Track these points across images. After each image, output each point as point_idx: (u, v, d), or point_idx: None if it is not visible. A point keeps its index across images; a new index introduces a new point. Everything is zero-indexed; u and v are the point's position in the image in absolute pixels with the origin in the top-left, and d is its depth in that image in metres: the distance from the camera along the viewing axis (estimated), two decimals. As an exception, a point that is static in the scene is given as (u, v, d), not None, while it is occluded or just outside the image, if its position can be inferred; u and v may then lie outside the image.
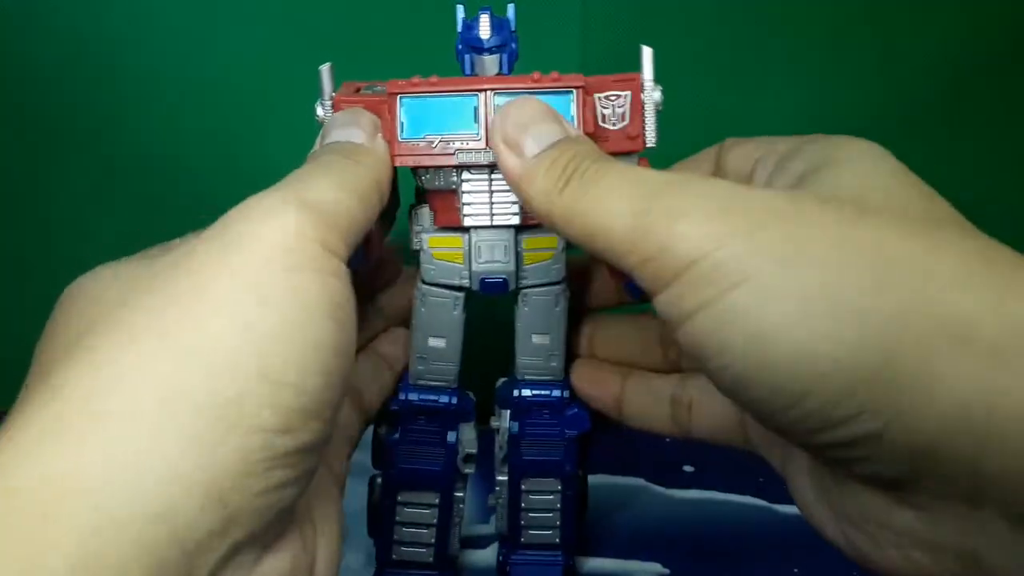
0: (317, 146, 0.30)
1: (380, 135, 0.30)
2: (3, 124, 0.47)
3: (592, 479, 0.48)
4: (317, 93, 0.32)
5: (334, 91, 0.32)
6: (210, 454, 0.21)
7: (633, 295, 0.31)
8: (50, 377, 0.22)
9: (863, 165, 0.27)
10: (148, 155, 0.47)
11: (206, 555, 0.21)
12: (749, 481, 0.47)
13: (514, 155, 0.28)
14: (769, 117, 0.49)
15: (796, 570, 0.43)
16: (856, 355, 0.22)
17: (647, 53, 0.32)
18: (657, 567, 0.43)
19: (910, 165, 0.29)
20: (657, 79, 0.32)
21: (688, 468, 0.49)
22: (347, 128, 0.30)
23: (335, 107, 0.31)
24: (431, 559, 0.38)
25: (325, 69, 0.31)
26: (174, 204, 0.47)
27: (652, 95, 0.32)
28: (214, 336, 0.22)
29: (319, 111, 0.32)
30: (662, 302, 0.25)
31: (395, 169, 0.31)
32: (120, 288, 0.24)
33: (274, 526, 0.23)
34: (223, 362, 0.22)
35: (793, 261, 0.23)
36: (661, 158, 0.33)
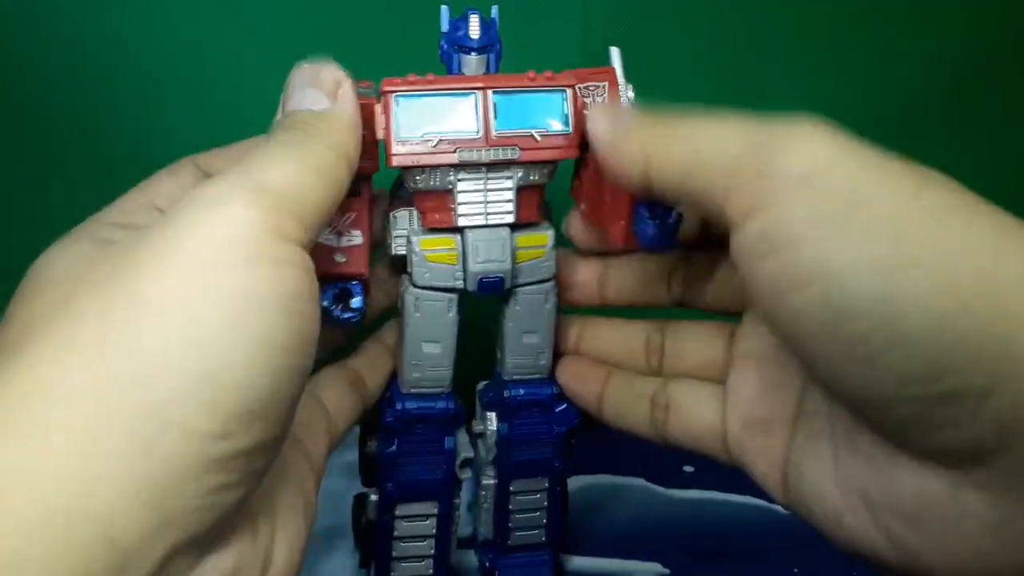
0: (279, 113, 0.29)
1: (345, 90, 0.29)
2: (3, 124, 0.47)
3: (592, 479, 0.48)
4: None
5: None
6: (143, 457, 0.21)
7: (645, 240, 0.30)
8: None
9: None
10: (148, 155, 0.47)
11: (141, 556, 0.21)
12: (749, 481, 0.46)
13: (606, 119, 0.29)
14: (769, 117, 0.49)
15: (796, 570, 0.43)
16: (971, 309, 0.22)
17: (615, 53, 0.33)
18: (657, 567, 0.43)
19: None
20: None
21: (688, 468, 0.49)
22: (306, 91, 0.28)
23: None
24: (431, 571, 0.37)
25: None
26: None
27: (626, 94, 0.33)
28: (151, 337, 0.21)
29: None
30: (757, 225, 0.24)
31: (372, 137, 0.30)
32: (74, 273, 0.24)
33: (217, 527, 0.23)
34: (158, 364, 0.21)
35: (919, 200, 0.22)
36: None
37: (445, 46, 0.32)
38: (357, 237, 0.32)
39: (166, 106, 0.47)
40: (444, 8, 0.31)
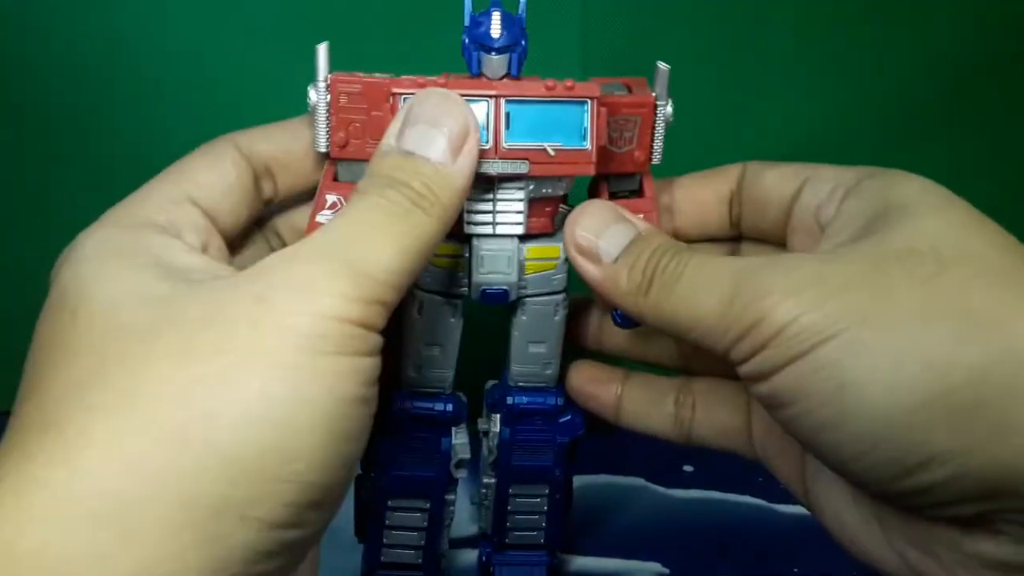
0: (391, 138, 0.26)
1: (470, 147, 0.27)
2: (3, 124, 0.47)
3: (592, 479, 0.48)
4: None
5: (330, 72, 0.30)
6: (218, 549, 0.21)
7: (615, 322, 0.33)
8: (37, 440, 0.21)
9: (932, 208, 0.27)
10: (148, 155, 0.47)
11: None
12: (749, 481, 0.47)
13: (591, 263, 0.29)
14: (769, 117, 0.49)
15: (796, 570, 0.43)
16: (937, 403, 0.23)
17: (663, 72, 0.31)
18: (657, 567, 0.43)
19: (910, 165, 0.29)
20: (650, 79, 0.32)
21: (688, 468, 0.49)
22: (431, 134, 0.26)
23: (331, 86, 0.29)
24: (419, 560, 0.37)
25: (322, 48, 0.29)
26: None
27: (664, 111, 0.32)
28: (231, 433, 0.21)
29: (312, 95, 0.30)
30: (753, 364, 0.25)
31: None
32: (135, 317, 0.23)
33: None
34: (239, 461, 0.21)
35: (878, 318, 0.24)
36: (661, 159, 0.33)
37: (466, 40, 0.29)
38: None
39: (166, 106, 0.47)
40: (467, 0, 0.30)
